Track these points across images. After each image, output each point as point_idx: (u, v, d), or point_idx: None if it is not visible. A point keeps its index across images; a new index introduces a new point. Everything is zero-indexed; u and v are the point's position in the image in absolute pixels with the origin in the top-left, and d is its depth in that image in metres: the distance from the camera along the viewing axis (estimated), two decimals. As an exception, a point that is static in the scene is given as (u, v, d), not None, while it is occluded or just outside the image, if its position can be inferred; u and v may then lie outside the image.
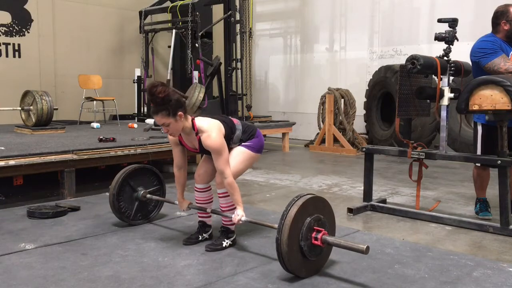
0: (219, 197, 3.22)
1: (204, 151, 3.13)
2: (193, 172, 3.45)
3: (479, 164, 3.97)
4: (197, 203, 3.38)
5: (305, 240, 2.66)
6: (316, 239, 2.68)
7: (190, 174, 3.56)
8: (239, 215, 3.04)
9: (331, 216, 2.89)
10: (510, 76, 3.56)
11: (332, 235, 2.82)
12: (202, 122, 3.06)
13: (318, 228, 2.71)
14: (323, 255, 2.82)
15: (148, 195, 3.74)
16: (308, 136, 9.67)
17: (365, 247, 2.57)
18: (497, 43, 3.84)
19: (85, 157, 4.80)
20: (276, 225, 2.70)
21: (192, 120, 3.06)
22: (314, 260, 2.75)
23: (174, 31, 8.07)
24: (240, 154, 3.20)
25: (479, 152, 3.99)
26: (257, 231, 3.60)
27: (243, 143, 3.22)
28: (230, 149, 3.15)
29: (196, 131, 3.04)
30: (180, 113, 2.93)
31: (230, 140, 3.15)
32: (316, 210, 2.76)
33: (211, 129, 3.02)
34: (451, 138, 6.34)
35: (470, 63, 4.03)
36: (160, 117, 2.91)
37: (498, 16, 3.93)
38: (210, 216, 3.41)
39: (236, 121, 3.26)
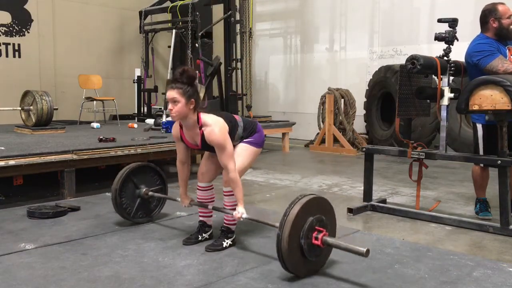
0: (224, 195, 3.22)
1: (206, 147, 3.13)
2: (194, 172, 3.45)
3: (482, 165, 3.96)
4: (199, 201, 3.39)
5: (306, 238, 2.66)
6: (316, 238, 2.69)
7: (192, 174, 3.56)
8: (240, 212, 3.05)
9: (333, 218, 2.90)
10: (509, 76, 3.56)
11: (332, 236, 2.82)
12: (207, 117, 3.08)
13: (319, 228, 2.72)
14: (323, 256, 2.83)
15: (150, 192, 3.74)
16: (308, 136, 9.66)
17: (365, 250, 2.57)
18: (494, 45, 3.83)
19: (85, 157, 4.80)
20: (277, 224, 2.70)
21: (198, 114, 3.07)
22: (313, 261, 2.75)
23: (174, 31, 8.06)
24: (243, 151, 3.22)
25: (481, 152, 3.99)
26: (257, 231, 3.60)
27: (244, 140, 3.23)
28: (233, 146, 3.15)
29: (200, 125, 3.05)
30: (192, 100, 2.98)
31: (232, 138, 3.16)
32: (319, 210, 2.76)
33: (215, 124, 3.04)
34: (451, 138, 6.33)
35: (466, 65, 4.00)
36: (175, 92, 2.95)
37: (487, 14, 3.91)
38: (210, 216, 3.41)
39: (237, 117, 3.28)
